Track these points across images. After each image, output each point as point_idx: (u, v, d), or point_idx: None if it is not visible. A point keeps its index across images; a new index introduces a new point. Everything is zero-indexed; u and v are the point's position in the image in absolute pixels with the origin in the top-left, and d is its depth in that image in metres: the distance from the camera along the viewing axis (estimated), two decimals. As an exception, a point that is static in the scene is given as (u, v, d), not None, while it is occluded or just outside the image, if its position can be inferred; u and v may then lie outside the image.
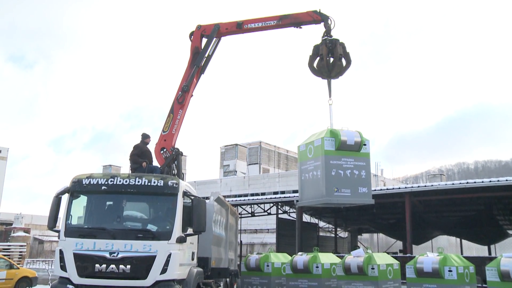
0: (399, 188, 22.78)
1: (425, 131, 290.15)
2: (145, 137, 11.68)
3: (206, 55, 12.72)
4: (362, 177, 10.49)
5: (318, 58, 11.82)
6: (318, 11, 12.30)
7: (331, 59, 11.68)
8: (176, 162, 11.68)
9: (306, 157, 10.83)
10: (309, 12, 12.38)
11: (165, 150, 11.66)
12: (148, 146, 11.71)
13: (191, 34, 12.85)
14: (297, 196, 25.12)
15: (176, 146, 11.81)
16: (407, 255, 20.86)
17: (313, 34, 12.39)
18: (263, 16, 12.66)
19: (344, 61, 11.77)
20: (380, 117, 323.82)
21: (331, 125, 10.98)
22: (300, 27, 12.54)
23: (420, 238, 30.08)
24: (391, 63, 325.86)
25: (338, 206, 11.58)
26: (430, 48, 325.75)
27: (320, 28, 12.24)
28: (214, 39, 12.73)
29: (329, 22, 12.08)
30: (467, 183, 20.19)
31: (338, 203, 10.72)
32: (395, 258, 16.33)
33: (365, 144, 10.64)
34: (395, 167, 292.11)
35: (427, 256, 13.00)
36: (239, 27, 12.57)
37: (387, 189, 23.10)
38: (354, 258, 13.80)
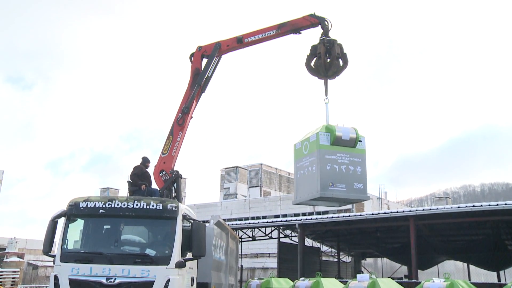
0: (404, 211, 22.70)
1: (430, 153, 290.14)
2: (146, 161, 11.75)
3: (206, 76, 12.76)
4: (357, 173, 10.53)
5: (315, 58, 12.14)
6: (314, 14, 12.61)
7: (328, 59, 12.03)
8: (175, 185, 11.67)
9: (302, 154, 10.90)
10: (305, 16, 12.69)
11: (164, 172, 11.66)
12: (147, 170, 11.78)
13: (191, 55, 12.94)
14: (299, 220, 25.33)
15: (175, 169, 11.84)
16: (413, 280, 20.67)
17: (310, 43, 12.61)
18: (262, 28, 12.85)
19: (341, 62, 12.09)
20: (384, 139, 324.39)
21: (327, 122, 11.10)
22: (300, 33, 12.79)
23: (426, 263, 29.80)
24: (395, 84, 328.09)
25: (333, 205, 11.72)
26: (434, 68, 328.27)
27: (316, 32, 12.62)
28: (215, 58, 12.81)
29: (326, 23, 12.45)
30: (474, 206, 20.13)
31: (333, 198, 10.56)
32: (400, 283, 16.20)
33: (360, 141, 10.73)
34: (399, 190, 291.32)
35: (433, 281, 12.89)
36: (239, 42, 12.68)
37: (391, 212, 23.03)
38: (358, 284, 13.69)
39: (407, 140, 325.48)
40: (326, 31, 12.35)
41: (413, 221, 21.58)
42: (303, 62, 12.35)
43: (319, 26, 12.53)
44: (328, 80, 12.01)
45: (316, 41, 12.39)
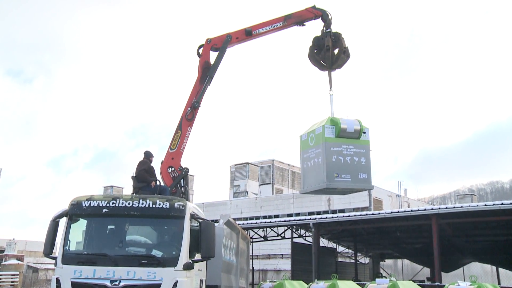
0: (425, 209, 22.65)
1: (454, 147, 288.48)
2: (150, 156, 11.77)
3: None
4: (362, 163, 11.66)
5: (320, 50, 13.33)
6: (315, 6, 13.74)
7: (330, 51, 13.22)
8: (183, 183, 11.78)
9: (308, 145, 12.01)
10: (308, 8, 13.76)
11: (173, 169, 11.78)
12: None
13: (199, 48, 13.15)
14: (314, 219, 25.35)
15: (182, 165, 11.93)
16: (436, 283, 20.61)
17: (310, 36, 13.75)
18: (269, 20, 13.58)
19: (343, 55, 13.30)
20: (404, 132, 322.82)
21: (331, 115, 12.15)
22: (304, 25, 13.81)
23: (450, 265, 29.71)
24: (416, 74, 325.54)
25: (338, 194, 13.53)
26: (458, 58, 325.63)
27: (314, 24, 13.81)
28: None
29: (328, 15, 13.66)
30: (502, 204, 19.98)
31: (339, 188, 11.67)
32: (422, 286, 16.17)
33: (364, 132, 11.83)
34: (420, 187, 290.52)
35: (458, 285, 12.85)
36: (248, 34, 13.30)
37: (411, 210, 22.99)
38: (377, 287, 13.69)
39: (429, 134, 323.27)
40: (328, 23, 13.52)
41: (436, 220, 21.50)
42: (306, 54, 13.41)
43: (320, 18, 13.65)
44: (332, 72, 13.13)
45: (315, 33, 13.53)
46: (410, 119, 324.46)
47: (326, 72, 13.34)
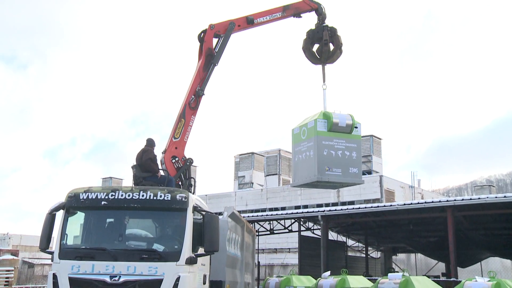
0: (440, 201, 22.59)
1: (471, 135, 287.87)
2: (153, 144, 11.73)
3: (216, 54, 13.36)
4: (353, 158, 12.41)
5: (313, 43, 14.32)
6: None
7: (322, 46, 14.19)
8: (187, 174, 11.88)
9: (300, 139, 12.68)
10: (305, 0, 14.77)
11: (177, 159, 11.86)
12: None
13: (201, 34, 13.42)
14: (322, 211, 25.39)
15: (185, 155, 12.04)
16: (452, 279, 20.64)
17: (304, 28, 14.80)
18: (269, 9, 14.45)
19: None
20: (418, 120, 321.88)
21: (324, 109, 12.92)
22: (300, 16, 14.84)
23: (467, 259, 29.72)
24: (432, 59, 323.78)
25: (328, 187, 14.14)
26: (477, 42, 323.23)
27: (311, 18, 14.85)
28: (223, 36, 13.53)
29: (322, 9, 14.73)
30: (522, 195, 19.93)
31: (329, 182, 12.40)
32: (437, 282, 16.18)
33: (356, 127, 12.56)
34: (434, 178, 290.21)
35: (475, 281, 12.81)
36: (250, 23, 13.98)
37: (425, 202, 22.94)
38: (389, 282, 13.71)
39: (445, 122, 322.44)
40: (323, 16, 14.62)
41: (451, 212, 21.47)
42: (300, 46, 14.38)
43: (315, 11, 14.72)
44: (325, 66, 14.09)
45: (309, 26, 14.60)
46: (424, 106, 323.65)
47: (319, 66, 14.23)
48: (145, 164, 11.22)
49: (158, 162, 11.71)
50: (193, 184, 12.12)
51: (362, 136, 44.66)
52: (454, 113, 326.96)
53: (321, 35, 14.24)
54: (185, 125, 12.32)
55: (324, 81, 13.75)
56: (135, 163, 11.45)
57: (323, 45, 14.03)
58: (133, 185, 10.79)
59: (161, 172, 11.56)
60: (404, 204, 23.69)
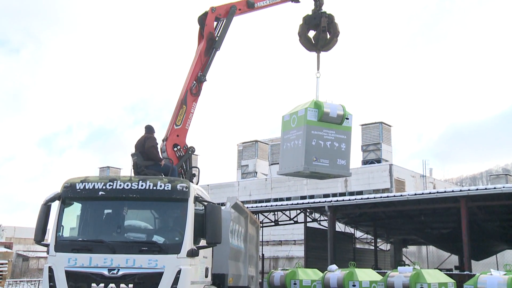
0: (453, 191, 22.57)
1: (486, 122, 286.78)
2: (153, 131, 11.64)
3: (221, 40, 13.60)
4: (341, 149, 12.64)
5: (309, 29, 14.54)
6: None
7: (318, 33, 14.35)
8: (188, 162, 11.94)
9: (290, 126, 12.89)
10: None
11: (178, 147, 11.90)
12: None
13: (201, 17, 13.55)
14: (329, 201, 25.43)
15: (187, 143, 12.12)
16: (465, 272, 20.66)
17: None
18: None
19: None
20: (431, 106, 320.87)
21: (317, 98, 13.10)
22: (298, 1, 15.41)
23: (481, 252, 29.73)
24: (445, 42, 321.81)
25: (314, 178, 14.39)
26: (493, 23, 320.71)
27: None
28: (225, 20, 13.75)
29: None
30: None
31: (316, 173, 12.68)
32: (450, 276, 16.24)
33: (347, 118, 12.78)
34: (447, 167, 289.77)
35: (490, 274, 12.87)
36: (251, 6, 14.30)
37: (437, 192, 22.93)
38: (399, 275, 13.79)
39: (459, 107, 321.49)
40: (320, 2, 14.82)
41: (465, 202, 21.46)
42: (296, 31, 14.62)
43: None
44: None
45: (304, 12, 14.84)
46: (437, 91, 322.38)
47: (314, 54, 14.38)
48: (148, 152, 11.12)
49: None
50: (196, 174, 12.19)
51: (371, 123, 45.03)
52: (469, 98, 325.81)
53: (318, 21, 14.41)
54: (187, 112, 12.37)
55: (318, 69, 13.95)
56: (135, 151, 11.34)
57: (320, 32, 14.19)
58: (134, 174, 10.82)
59: (163, 161, 11.53)
60: (415, 194, 23.69)
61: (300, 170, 12.42)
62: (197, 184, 11.77)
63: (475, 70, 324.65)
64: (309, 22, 14.61)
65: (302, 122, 12.43)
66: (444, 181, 56.81)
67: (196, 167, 12.35)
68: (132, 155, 11.31)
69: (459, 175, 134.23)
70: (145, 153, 11.14)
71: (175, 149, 11.92)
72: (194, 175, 12.20)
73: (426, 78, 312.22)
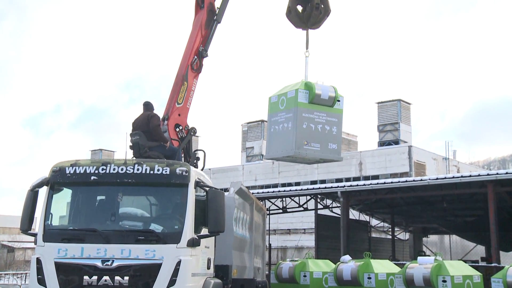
0: (479, 175, 22.55)
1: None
2: (153, 108, 11.59)
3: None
4: (333, 133, 12.95)
5: (297, 4, 14.21)
6: None
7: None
8: (189, 145, 11.99)
9: (278, 108, 13.06)
10: None
11: (180, 128, 11.92)
12: None
13: None
14: (342, 186, 25.49)
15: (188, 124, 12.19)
16: (493, 264, 20.74)
17: None
18: None
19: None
20: (455, 81, 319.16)
21: (305, 78, 13.32)
22: None
23: (510, 242, 29.81)
24: (474, 10, 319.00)
25: (303, 162, 14.66)
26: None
27: None
28: None
29: None
30: None
31: (306, 157, 12.96)
32: (476, 268, 16.29)
33: (339, 100, 13.05)
34: (473, 148, 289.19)
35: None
36: None
37: (461, 176, 22.91)
38: (419, 267, 13.83)
39: (486, 82, 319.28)
40: None
41: (493, 187, 21.44)
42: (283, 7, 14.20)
43: None
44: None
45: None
46: (463, 66, 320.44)
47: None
48: (153, 132, 11.04)
49: None
50: (201, 158, 12.14)
51: (388, 101, 45.02)
52: (498, 72, 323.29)
53: None
54: (188, 89, 12.39)
55: (307, 47, 14.07)
56: (135, 131, 11.17)
57: (313, 9, 14.01)
58: (136, 156, 10.74)
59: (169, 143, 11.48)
60: (437, 179, 23.65)
61: (290, 154, 12.68)
62: (202, 168, 11.76)
63: (506, 41, 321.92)
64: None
65: (292, 104, 12.63)
66: (470, 164, 56.87)
67: (202, 150, 12.27)
68: (132, 134, 11.09)
69: (487, 157, 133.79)
70: (150, 132, 11.03)
71: (177, 129, 11.91)
72: (198, 158, 12.19)
73: (450, 50, 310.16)
